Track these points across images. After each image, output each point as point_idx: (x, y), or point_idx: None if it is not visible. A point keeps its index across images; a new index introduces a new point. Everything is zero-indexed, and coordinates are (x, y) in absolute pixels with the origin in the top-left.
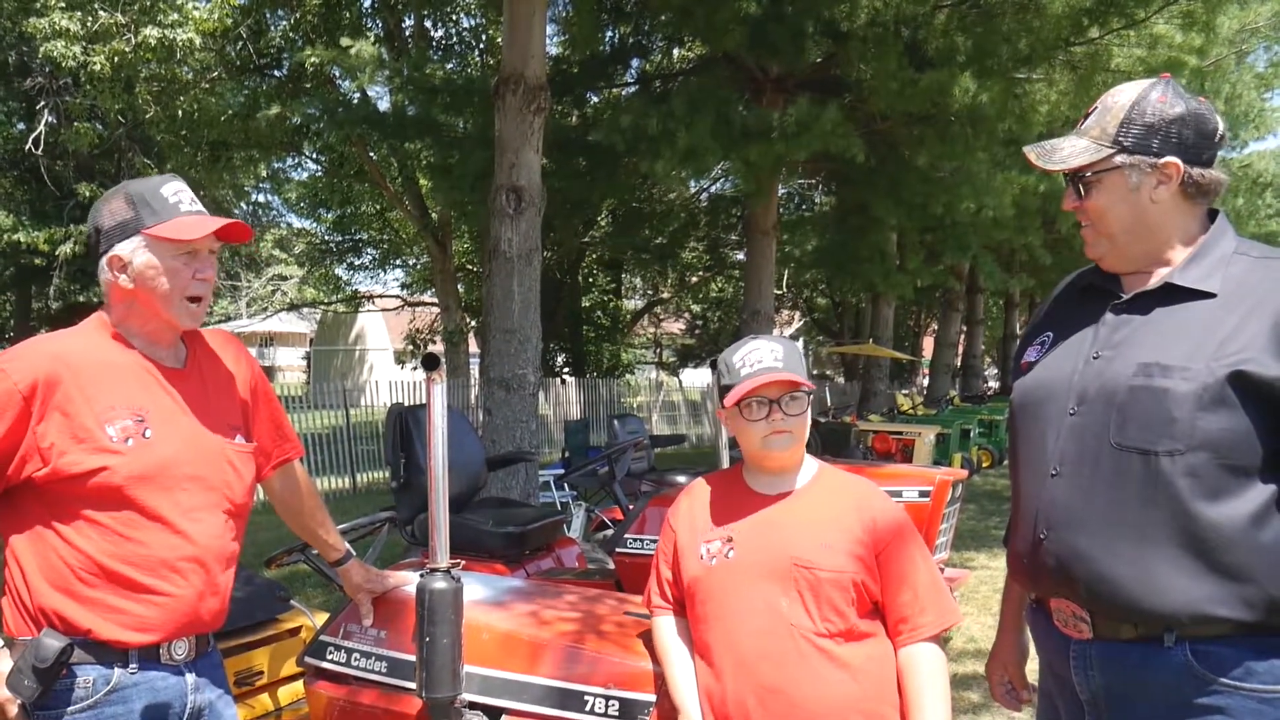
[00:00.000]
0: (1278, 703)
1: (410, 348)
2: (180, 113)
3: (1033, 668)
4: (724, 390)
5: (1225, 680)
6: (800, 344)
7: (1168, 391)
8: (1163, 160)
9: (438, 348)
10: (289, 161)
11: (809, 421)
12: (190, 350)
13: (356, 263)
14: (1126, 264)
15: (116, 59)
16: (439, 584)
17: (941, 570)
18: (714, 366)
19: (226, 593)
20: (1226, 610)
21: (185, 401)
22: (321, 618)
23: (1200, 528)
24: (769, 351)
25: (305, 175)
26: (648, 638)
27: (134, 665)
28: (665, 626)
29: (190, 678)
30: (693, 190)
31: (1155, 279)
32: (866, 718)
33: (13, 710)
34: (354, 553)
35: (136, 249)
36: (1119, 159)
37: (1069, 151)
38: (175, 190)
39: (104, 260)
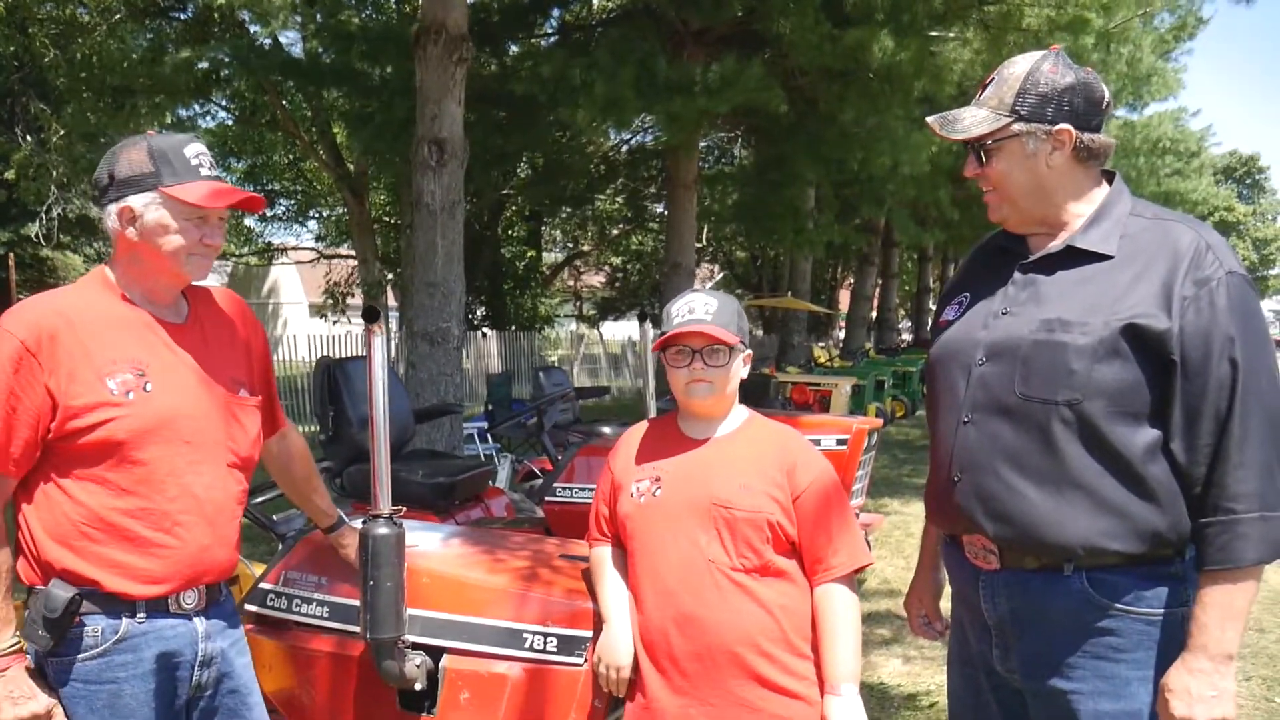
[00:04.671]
0: (1160, 624)
1: (329, 301)
2: (79, 56)
3: (946, 603)
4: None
5: (1118, 605)
6: None
7: (1066, 345)
8: (1056, 127)
9: (387, 299)
10: (197, 109)
11: (734, 374)
12: (192, 306)
13: (269, 214)
14: (1028, 225)
15: None
16: (381, 529)
17: (858, 515)
18: (642, 320)
19: (234, 542)
20: (1118, 544)
21: (187, 355)
22: (259, 568)
23: (1095, 470)
24: (703, 305)
25: (214, 124)
26: (584, 579)
27: (141, 615)
28: (602, 555)
29: (201, 625)
30: (613, 141)
31: (1058, 241)
32: (777, 645)
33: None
34: (345, 519)
35: (150, 204)
36: (1016, 127)
37: (970, 121)
38: (197, 152)
39: (113, 208)
